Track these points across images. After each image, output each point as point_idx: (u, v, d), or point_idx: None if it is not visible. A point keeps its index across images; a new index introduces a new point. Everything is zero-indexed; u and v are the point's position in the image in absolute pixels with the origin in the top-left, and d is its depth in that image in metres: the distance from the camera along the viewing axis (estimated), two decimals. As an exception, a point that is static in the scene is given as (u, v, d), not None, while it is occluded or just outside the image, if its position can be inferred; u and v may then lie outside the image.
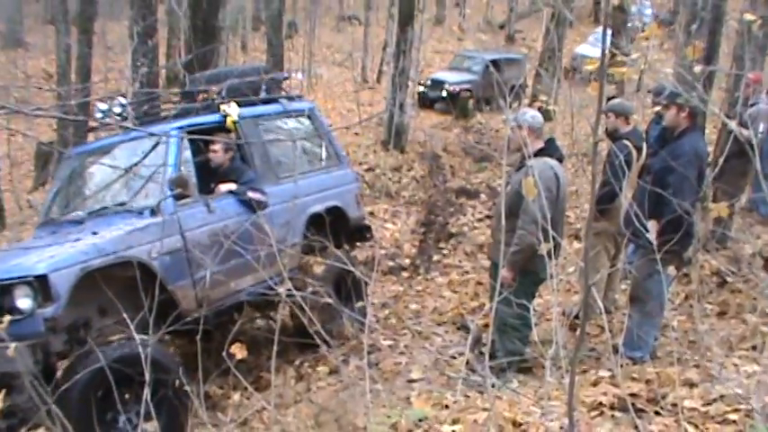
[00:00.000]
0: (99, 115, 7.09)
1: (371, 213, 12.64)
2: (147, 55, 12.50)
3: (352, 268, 6.87)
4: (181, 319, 5.51)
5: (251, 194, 6.92)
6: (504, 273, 5.44)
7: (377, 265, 7.68)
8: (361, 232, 8.58)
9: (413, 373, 6.28)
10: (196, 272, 6.39)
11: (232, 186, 7.04)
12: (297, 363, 7.01)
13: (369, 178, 14.29)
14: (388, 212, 12.76)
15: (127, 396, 5.37)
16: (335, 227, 7.40)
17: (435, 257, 10.56)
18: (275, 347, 4.85)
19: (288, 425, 5.06)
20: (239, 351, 4.53)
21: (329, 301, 5.97)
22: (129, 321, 5.08)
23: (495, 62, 21.68)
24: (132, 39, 12.42)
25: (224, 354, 4.64)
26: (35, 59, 26.49)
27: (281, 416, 5.35)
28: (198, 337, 4.89)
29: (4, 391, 4.72)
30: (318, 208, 7.68)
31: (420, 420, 3.81)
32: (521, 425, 3.73)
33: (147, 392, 4.27)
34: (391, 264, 10.39)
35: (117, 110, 7.02)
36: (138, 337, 4.98)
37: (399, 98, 15.66)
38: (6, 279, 5.34)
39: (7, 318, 4.95)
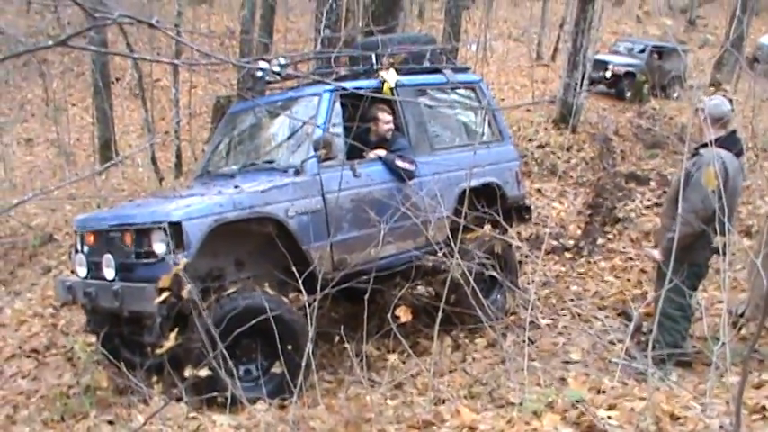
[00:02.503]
0: (259, 74, 7.21)
1: (539, 191, 12.56)
2: (330, 17, 12.73)
3: (512, 240, 6.85)
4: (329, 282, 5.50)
5: (399, 163, 6.90)
6: (654, 252, 5.37)
7: (543, 244, 7.53)
8: (520, 212, 8.28)
9: (571, 354, 6.27)
10: (334, 234, 6.42)
11: (382, 153, 7.01)
12: (454, 332, 7.08)
13: (538, 156, 14.16)
14: (556, 192, 12.62)
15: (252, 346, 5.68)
16: (492, 204, 7.07)
17: (600, 241, 10.41)
18: (440, 314, 4.96)
19: (441, 392, 5.13)
20: (404, 314, 4.65)
21: (493, 274, 5.98)
22: (265, 276, 5.32)
23: (658, 50, 20.98)
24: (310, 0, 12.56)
25: (389, 316, 4.78)
26: (218, 16, 27.43)
27: (435, 383, 5.45)
28: (365, 296, 5.07)
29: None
30: (473, 183, 7.23)
31: (576, 402, 3.81)
32: (678, 418, 3.69)
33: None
34: (555, 243, 10.30)
35: (276, 69, 7.04)
36: (264, 292, 5.19)
37: (575, 77, 15.39)
38: (145, 223, 5.65)
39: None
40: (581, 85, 15.42)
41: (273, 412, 4.82)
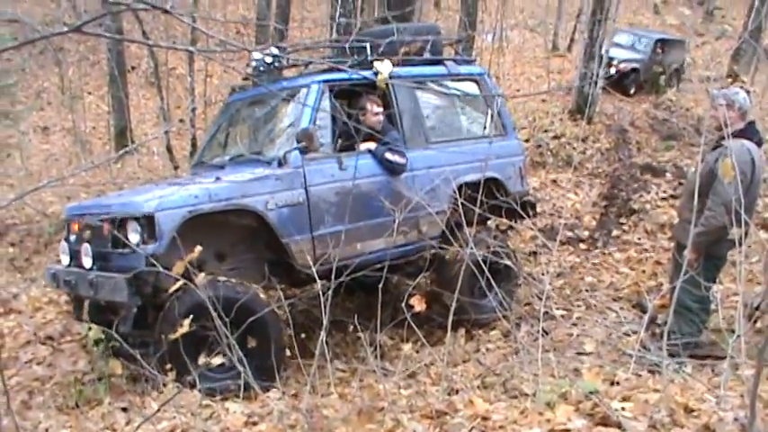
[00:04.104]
0: (253, 64, 7.13)
1: (554, 182, 12.52)
2: (346, 6, 12.70)
3: (506, 248, 6.64)
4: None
5: (389, 156, 6.79)
6: (688, 253, 5.33)
7: (558, 235, 7.45)
8: (523, 208, 7.72)
9: (585, 345, 6.26)
10: (317, 228, 6.34)
11: (372, 146, 6.88)
12: (468, 323, 7.06)
13: (554, 147, 14.10)
14: (571, 183, 12.58)
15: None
16: (493, 200, 6.78)
17: (615, 232, 10.36)
18: (453, 304, 4.95)
19: (454, 382, 5.13)
20: (418, 303, 4.64)
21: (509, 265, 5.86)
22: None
23: (662, 42, 20.68)
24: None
25: (402, 305, 4.78)
26: (233, 5, 27.40)
27: (449, 372, 5.44)
28: (378, 286, 5.06)
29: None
30: (471, 177, 7.26)
31: (590, 393, 3.80)
32: (692, 411, 3.68)
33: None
34: (570, 234, 10.27)
35: (269, 60, 7.00)
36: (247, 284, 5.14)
37: (591, 68, 15.30)
38: (121, 214, 5.68)
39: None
40: (597, 76, 15.33)
41: (287, 401, 4.83)
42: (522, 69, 22.19)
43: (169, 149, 14.73)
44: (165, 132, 14.95)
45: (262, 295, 5.79)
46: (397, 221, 5.93)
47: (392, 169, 6.81)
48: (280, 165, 6.27)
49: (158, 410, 3.91)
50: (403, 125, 7.16)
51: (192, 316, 4.71)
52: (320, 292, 4.61)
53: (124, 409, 5.04)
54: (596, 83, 15.18)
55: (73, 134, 17.99)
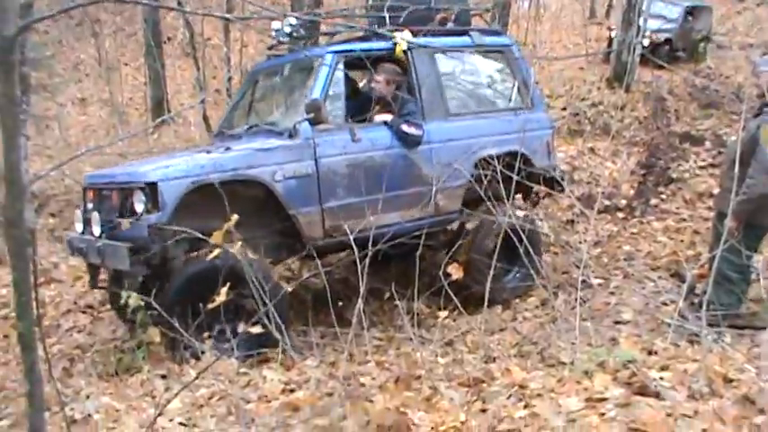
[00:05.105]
0: (273, 34, 7.09)
1: (592, 150, 12.43)
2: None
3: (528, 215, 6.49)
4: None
5: (405, 128, 6.65)
6: (729, 222, 5.27)
7: (596, 203, 7.35)
8: (550, 182, 7.71)
9: (622, 314, 6.22)
10: (326, 200, 6.26)
11: (387, 117, 6.75)
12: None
13: (591, 115, 14.00)
14: (609, 151, 12.47)
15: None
16: (518, 174, 6.28)
17: (653, 201, 10.28)
18: (491, 272, 4.93)
19: (491, 351, 5.12)
20: (455, 271, 4.64)
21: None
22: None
23: (690, 9, 20.16)
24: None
25: (440, 273, 4.78)
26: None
27: (486, 341, 5.44)
28: (417, 253, 5.05)
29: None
30: (493, 151, 6.99)
31: (628, 362, 3.77)
32: (731, 381, 3.64)
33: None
34: (607, 203, 10.20)
35: (287, 29, 6.95)
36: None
37: (629, 36, 15.10)
38: (126, 183, 5.73)
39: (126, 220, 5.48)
40: (635, 44, 15.12)
41: (324, 368, 4.85)
42: (560, 37, 21.99)
43: (205, 119, 14.79)
44: (201, 102, 15.00)
45: (264, 265, 5.74)
46: (409, 195, 5.85)
47: (408, 141, 6.68)
48: (290, 136, 6.21)
49: (196, 378, 3.94)
50: (422, 96, 6.98)
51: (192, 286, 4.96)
52: (357, 260, 4.61)
53: (163, 377, 5.09)
54: (634, 50, 14.98)
55: (110, 105, 18.14)
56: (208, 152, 6.00)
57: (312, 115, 6.06)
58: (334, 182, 6.31)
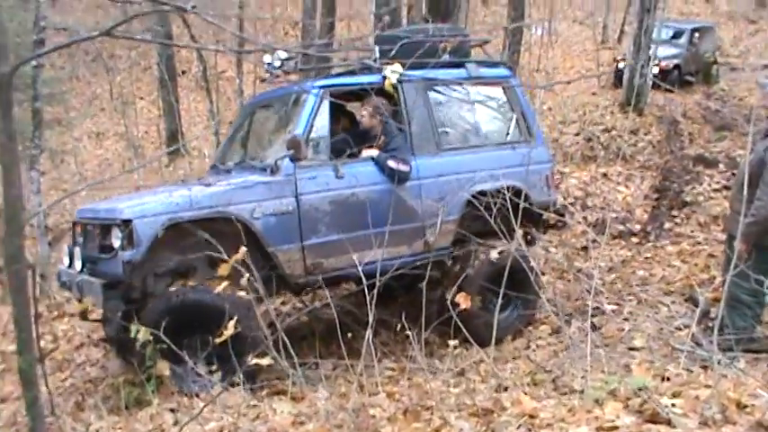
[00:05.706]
0: (266, 67, 7.05)
1: (605, 175, 12.39)
2: (390, 3, 12.65)
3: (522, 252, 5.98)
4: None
5: (391, 163, 6.49)
6: (738, 244, 5.22)
7: (607, 228, 7.27)
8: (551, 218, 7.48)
9: (635, 340, 6.16)
10: (308, 237, 6.17)
11: (374, 152, 6.62)
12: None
13: (604, 140, 13.97)
14: (622, 176, 12.43)
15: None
16: (515, 210, 6.05)
17: (667, 225, 10.23)
18: (499, 301, 4.91)
19: (504, 380, 5.07)
20: (464, 301, 4.61)
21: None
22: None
23: (696, 31, 19.97)
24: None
25: (448, 303, 4.74)
26: (281, 6, 27.54)
27: (498, 370, 5.40)
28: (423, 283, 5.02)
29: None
30: (487, 186, 6.81)
31: (639, 389, 3.73)
32: (745, 407, 3.59)
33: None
34: (621, 228, 10.16)
35: (277, 63, 6.90)
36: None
37: (641, 59, 15.09)
38: (105, 219, 5.76)
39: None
40: (647, 67, 15.12)
41: (334, 400, 4.82)
42: (572, 63, 22.03)
43: (219, 151, 14.85)
44: (215, 134, 15.09)
45: (238, 298, 5.42)
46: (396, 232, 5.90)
47: (395, 177, 6.53)
48: (272, 172, 6.14)
49: (203, 409, 3.93)
50: (411, 130, 6.84)
51: (166, 319, 4.93)
52: (365, 292, 4.58)
53: (172, 410, 5.08)
54: (646, 75, 14.98)
55: (126, 139, 18.28)
56: (189, 189, 5.94)
57: (292, 152, 5.97)
58: (315, 219, 6.22)
